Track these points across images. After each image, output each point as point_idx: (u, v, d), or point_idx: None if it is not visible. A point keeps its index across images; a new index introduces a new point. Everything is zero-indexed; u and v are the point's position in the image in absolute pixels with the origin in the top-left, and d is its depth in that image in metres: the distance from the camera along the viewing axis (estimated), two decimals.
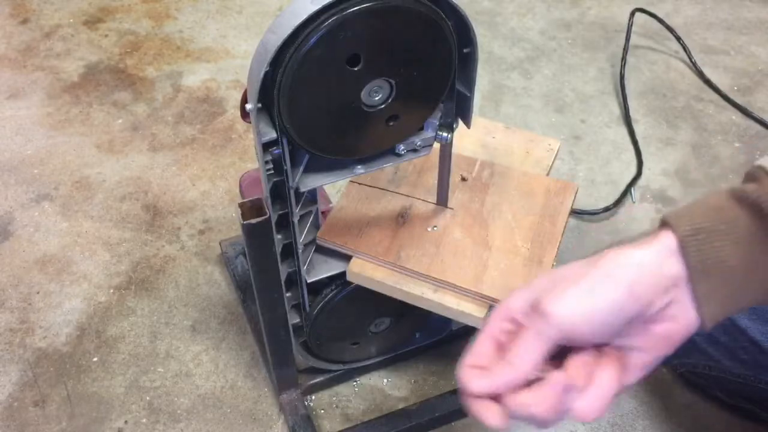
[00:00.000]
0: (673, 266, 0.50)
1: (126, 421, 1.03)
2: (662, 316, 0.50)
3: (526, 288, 0.52)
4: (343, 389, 1.06)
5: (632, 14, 1.68)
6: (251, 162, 1.39)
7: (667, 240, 0.50)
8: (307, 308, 0.91)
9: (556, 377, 0.48)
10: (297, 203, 0.79)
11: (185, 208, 1.32)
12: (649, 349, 0.51)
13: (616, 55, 1.64)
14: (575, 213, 1.28)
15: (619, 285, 0.49)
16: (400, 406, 1.02)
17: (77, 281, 1.20)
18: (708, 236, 0.49)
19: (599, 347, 0.51)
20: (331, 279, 0.88)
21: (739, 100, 1.52)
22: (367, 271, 0.85)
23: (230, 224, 1.28)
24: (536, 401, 0.48)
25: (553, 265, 0.86)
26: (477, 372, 0.50)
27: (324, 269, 0.88)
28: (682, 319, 0.50)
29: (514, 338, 0.50)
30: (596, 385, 0.49)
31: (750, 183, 0.52)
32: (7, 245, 1.26)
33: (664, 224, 0.51)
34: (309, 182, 0.77)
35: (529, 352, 0.49)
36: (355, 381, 1.07)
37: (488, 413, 0.49)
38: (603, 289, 0.49)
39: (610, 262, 0.50)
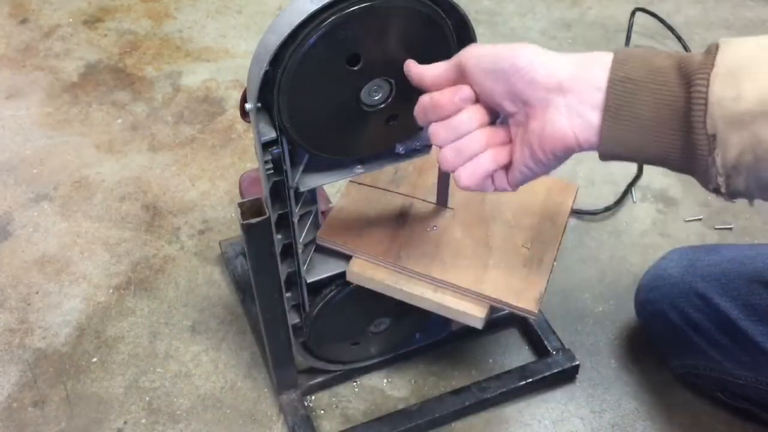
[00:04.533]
0: (564, 75, 0.57)
1: (125, 422, 1.03)
2: (540, 114, 0.59)
3: None
4: (343, 389, 1.06)
5: (633, 14, 1.68)
6: (251, 162, 1.39)
7: (594, 66, 0.57)
8: (307, 308, 0.91)
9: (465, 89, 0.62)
10: (297, 203, 0.79)
11: (185, 208, 1.32)
12: (527, 144, 0.60)
13: None
14: (575, 213, 1.28)
15: (513, 54, 0.59)
16: (400, 406, 1.02)
17: (76, 281, 1.20)
18: (635, 87, 0.55)
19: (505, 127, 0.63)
20: (331, 279, 0.88)
21: None
22: (367, 271, 0.85)
23: (230, 224, 1.28)
24: (439, 96, 0.63)
25: (553, 265, 0.85)
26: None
27: (324, 269, 0.88)
28: (557, 127, 0.58)
29: None
30: (476, 161, 0.63)
31: (701, 55, 0.55)
32: (6, 245, 1.26)
33: (610, 56, 0.57)
34: (309, 182, 0.77)
35: (440, 64, 0.65)
36: (355, 381, 1.07)
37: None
38: (501, 50, 0.60)
39: (527, 45, 0.60)
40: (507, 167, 0.64)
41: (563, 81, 0.57)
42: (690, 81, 0.54)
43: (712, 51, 0.54)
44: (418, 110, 0.65)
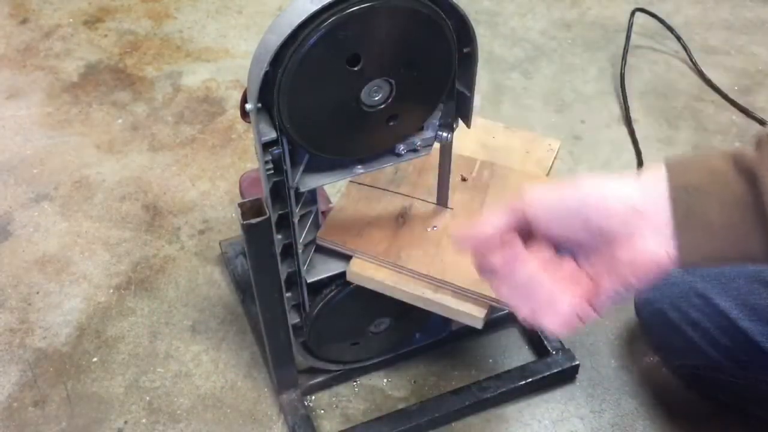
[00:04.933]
0: (637, 200, 0.56)
1: (126, 422, 1.03)
2: (626, 243, 0.56)
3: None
4: (343, 389, 1.06)
5: (632, 14, 1.68)
6: (251, 162, 1.39)
7: (657, 182, 0.56)
8: (307, 308, 0.91)
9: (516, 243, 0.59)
10: (297, 203, 0.79)
11: (185, 208, 1.32)
12: (617, 273, 0.56)
13: (616, 55, 1.64)
14: None
15: (578, 191, 0.58)
16: (400, 406, 1.02)
17: (77, 281, 1.20)
18: (699, 194, 0.54)
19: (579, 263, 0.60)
20: (331, 279, 0.88)
21: (739, 100, 1.52)
22: (367, 271, 0.85)
23: (230, 224, 1.28)
24: (500, 257, 0.60)
25: None
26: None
27: (324, 269, 0.88)
28: (649, 251, 0.55)
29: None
30: (557, 305, 0.58)
31: (753, 148, 0.54)
32: (6, 245, 1.26)
33: (663, 167, 0.56)
34: (309, 182, 0.77)
35: (497, 216, 0.61)
36: (355, 381, 1.07)
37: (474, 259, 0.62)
38: (564, 190, 0.59)
39: (584, 178, 0.58)
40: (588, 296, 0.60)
41: (638, 206, 0.56)
42: (754, 177, 0.53)
43: (764, 141, 0.54)
44: (477, 269, 0.63)
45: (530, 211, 0.59)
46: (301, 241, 0.83)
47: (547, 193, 0.59)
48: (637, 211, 0.55)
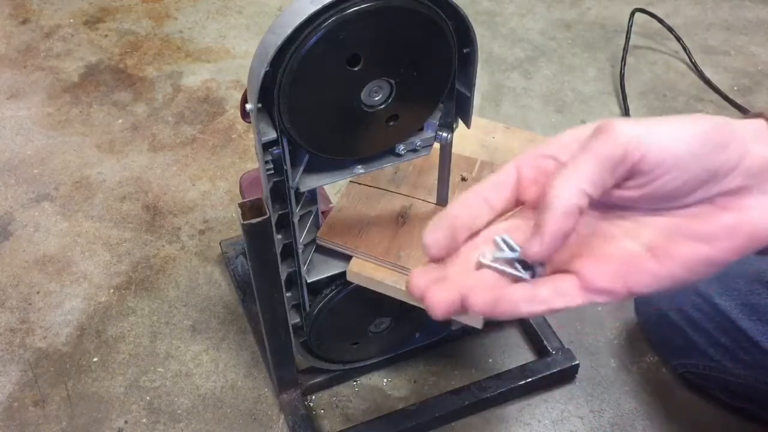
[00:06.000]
0: (762, 150, 0.43)
1: (126, 421, 1.03)
2: (733, 202, 0.43)
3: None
4: (343, 389, 1.06)
5: (632, 14, 1.68)
6: (251, 162, 1.40)
7: (761, 125, 0.44)
8: (307, 308, 0.91)
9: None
10: (297, 203, 0.79)
11: (185, 208, 1.32)
12: (714, 239, 0.43)
13: (616, 55, 1.64)
14: None
15: (701, 121, 0.43)
16: (400, 406, 1.02)
17: (77, 281, 1.20)
18: None
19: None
20: (331, 279, 0.88)
21: (739, 100, 1.52)
22: (367, 271, 0.85)
23: (230, 224, 1.28)
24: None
25: None
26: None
27: (324, 269, 0.88)
28: (753, 214, 0.42)
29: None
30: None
31: None
32: (7, 245, 1.26)
33: (758, 115, 0.45)
34: (309, 182, 0.77)
35: (582, 174, 0.41)
36: (355, 381, 1.07)
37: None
38: (683, 122, 0.42)
39: (697, 116, 0.43)
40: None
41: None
42: None
43: None
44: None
45: (642, 155, 0.41)
46: (301, 241, 0.83)
47: (658, 129, 0.42)
48: (761, 170, 0.43)
